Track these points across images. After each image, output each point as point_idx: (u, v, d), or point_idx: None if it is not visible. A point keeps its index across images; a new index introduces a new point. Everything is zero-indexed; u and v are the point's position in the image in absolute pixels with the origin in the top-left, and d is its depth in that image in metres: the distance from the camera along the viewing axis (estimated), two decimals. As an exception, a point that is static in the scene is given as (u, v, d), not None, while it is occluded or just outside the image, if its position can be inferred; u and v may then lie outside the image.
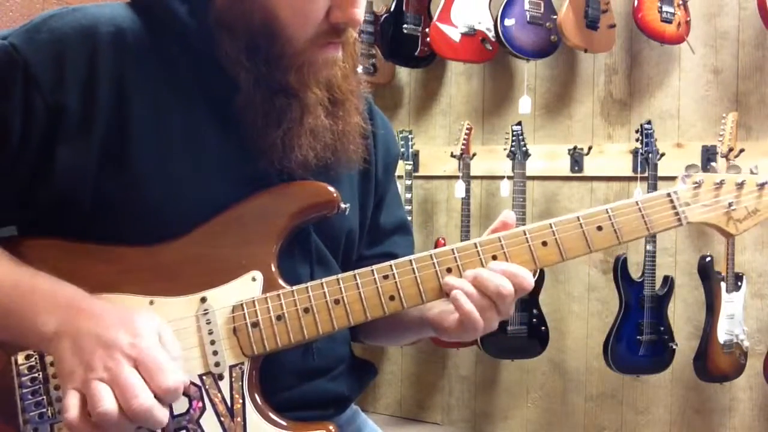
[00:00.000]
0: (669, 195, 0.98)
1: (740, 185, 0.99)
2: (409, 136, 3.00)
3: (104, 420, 0.73)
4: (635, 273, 2.64)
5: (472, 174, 2.95)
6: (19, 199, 0.88)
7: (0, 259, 0.85)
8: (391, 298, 0.91)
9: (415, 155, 3.13)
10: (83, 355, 0.76)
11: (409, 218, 3.00)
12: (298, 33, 0.88)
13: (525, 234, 0.94)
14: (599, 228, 0.95)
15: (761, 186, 0.99)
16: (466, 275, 0.92)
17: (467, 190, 2.89)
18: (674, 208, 0.98)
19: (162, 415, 0.75)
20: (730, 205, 0.99)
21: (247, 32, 0.89)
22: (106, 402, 0.73)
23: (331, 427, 0.91)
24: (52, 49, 0.85)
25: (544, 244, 0.94)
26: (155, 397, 0.75)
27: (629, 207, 0.96)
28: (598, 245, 0.95)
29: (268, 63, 0.89)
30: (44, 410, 0.83)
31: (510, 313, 0.93)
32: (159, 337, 0.79)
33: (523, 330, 2.77)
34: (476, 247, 0.93)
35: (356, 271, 0.91)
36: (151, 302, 0.87)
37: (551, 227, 0.94)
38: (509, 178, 2.80)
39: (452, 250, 0.93)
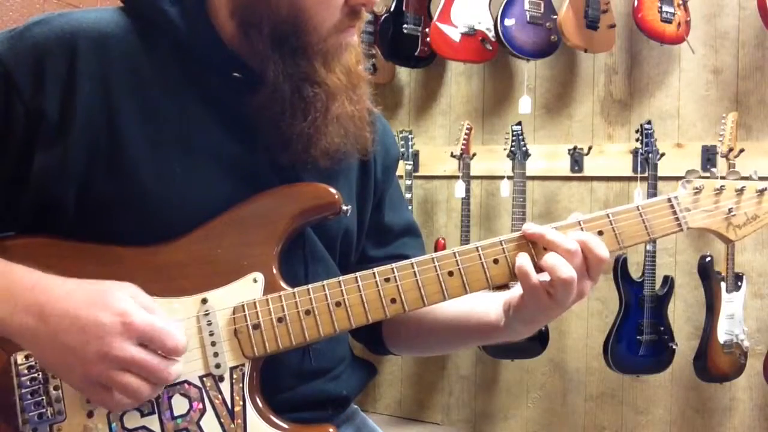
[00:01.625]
0: (670, 200, 0.98)
1: (740, 191, 0.99)
2: (409, 136, 3.00)
3: (143, 400, 0.81)
4: (635, 273, 2.64)
5: (472, 174, 2.94)
6: (5, 205, 0.88)
7: None
8: (393, 300, 0.91)
9: (415, 155, 3.13)
10: (72, 349, 0.78)
11: (409, 218, 3.00)
12: (323, 20, 0.89)
13: (526, 238, 0.94)
14: (600, 233, 0.95)
15: (761, 192, 0.99)
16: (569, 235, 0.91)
17: (467, 190, 2.89)
18: (675, 213, 0.98)
19: (181, 369, 0.83)
20: (730, 211, 0.98)
21: (272, 26, 0.89)
22: (142, 388, 0.79)
23: (330, 430, 0.90)
24: (32, 55, 0.86)
25: (545, 249, 0.93)
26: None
27: (630, 212, 0.96)
28: None
29: (294, 54, 0.90)
30: (44, 410, 0.83)
31: (586, 293, 0.93)
32: (135, 299, 0.81)
33: (523, 330, 2.76)
34: (478, 250, 0.93)
35: (358, 274, 0.91)
36: (152, 302, 0.87)
37: None
38: (509, 178, 2.80)
39: (454, 253, 0.93)
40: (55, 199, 0.87)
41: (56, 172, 0.86)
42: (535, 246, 0.93)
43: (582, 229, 0.95)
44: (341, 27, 0.91)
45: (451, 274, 0.92)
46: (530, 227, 0.93)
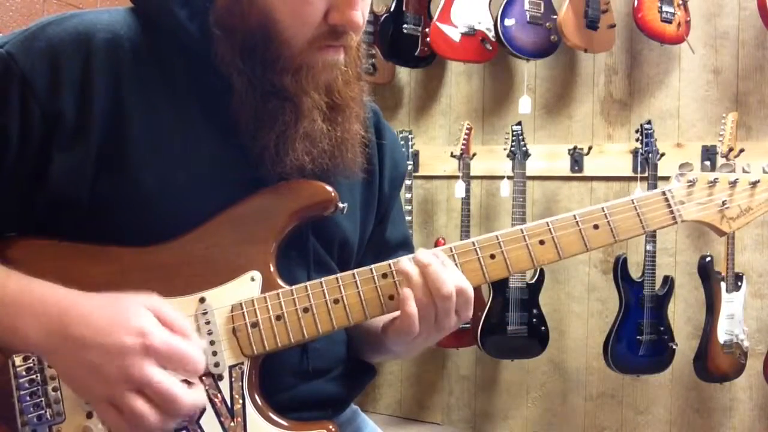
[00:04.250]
0: (664, 193, 0.99)
1: (733, 184, 1.00)
2: (409, 136, 3.00)
3: (153, 429, 0.76)
4: (635, 273, 2.64)
5: (472, 174, 2.94)
6: (19, 206, 0.88)
7: None
8: (390, 297, 0.91)
9: (415, 155, 3.13)
10: (94, 367, 0.77)
11: (409, 218, 3.00)
12: (295, 35, 0.88)
13: (522, 233, 0.94)
14: (596, 226, 0.95)
15: (753, 184, 1.00)
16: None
17: (467, 190, 2.89)
18: (669, 206, 0.98)
19: (203, 398, 0.81)
20: (723, 203, 0.99)
21: (244, 34, 0.89)
22: (149, 417, 0.76)
23: (331, 427, 0.90)
24: (47, 56, 0.86)
25: (542, 242, 0.94)
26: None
27: (625, 205, 0.97)
28: (595, 244, 0.96)
29: (263, 65, 0.89)
30: (42, 412, 0.83)
31: (450, 326, 0.92)
32: (160, 319, 0.79)
33: (523, 330, 2.77)
34: (474, 245, 0.93)
35: (355, 271, 0.91)
36: (150, 302, 0.87)
37: (548, 225, 0.95)
38: (509, 178, 2.80)
39: (450, 248, 0.93)
40: (70, 199, 0.87)
41: (75, 172, 0.86)
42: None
43: (578, 223, 0.95)
44: (318, 44, 0.89)
45: None
46: (422, 255, 0.91)
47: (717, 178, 0.99)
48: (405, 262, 0.91)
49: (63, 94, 0.85)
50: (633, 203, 0.97)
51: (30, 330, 0.79)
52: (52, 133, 0.85)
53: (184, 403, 0.77)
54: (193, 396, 0.79)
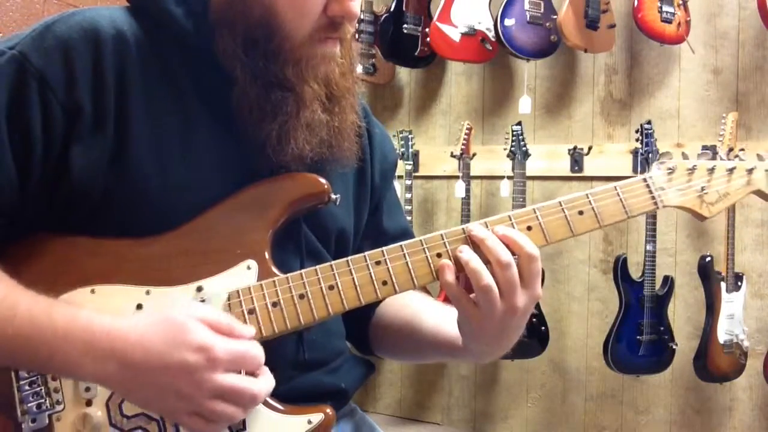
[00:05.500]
0: (645, 180, 1.02)
1: (711, 170, 1.03)
2: (409, 136, 3.01)
3: (238, 420, 0.84)
4: (635, 273, 2.64)
5: (472, 174, 2.95)
6: (41, 203, 0.89)
7: (6, 286, 0.82)
8: (384, 283, 0.92)
9: (415, 155, 3.14)
10: (165, 389, 0.79)
11: (409, 218, 3.01)
12: (296, 28, 0.90)
13: (510, 219, 0.96)
14: (580, 212, 0.98)
15: (730, 171, 1.03)
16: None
17: (467, 190, 2.89)
18: (650, 192, 1.01)
19: (272, 379, 0.85)
20: (702, 189, 1.03)
21: (245, 27, 0.90)
22: (237, 414, 0.81)
23: (328, 410, 0.91)
24: (59, 53, 0.87)
25: (529, 228, 0.96)
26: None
27: (608, 192, 1.00)
28: (581, 229, 0.98)
29: (265, 57, 0.91)
30: (42, 401, 0.83)
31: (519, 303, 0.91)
32: (211, 327, 0.81)
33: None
34: (464, 232, 0.94)
35: (349, 258, 0.92)
36: (148, 292, 0.88)
37: (535, 212, 0.97)
38: (509, 178, 2.80)
39: (441, 235, 0.94)
40: (85, 194, 0.88)
41: (94, 166, 0.87)
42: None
43: (563, 209, 0.98)
44: (318, 37, 0.91)
45: (439, 256, 0.93)
46: (474, 229, 0.92)
47: (695, 166, 1.03)
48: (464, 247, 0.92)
49: (79, 88, 0.86)
50: (616, 189, 1.00)
51: (86, 363, 0.79)
52: (74, 126, 0.86)
53: (260, 394, 0.82)
54: (265, 383, 0.84)
